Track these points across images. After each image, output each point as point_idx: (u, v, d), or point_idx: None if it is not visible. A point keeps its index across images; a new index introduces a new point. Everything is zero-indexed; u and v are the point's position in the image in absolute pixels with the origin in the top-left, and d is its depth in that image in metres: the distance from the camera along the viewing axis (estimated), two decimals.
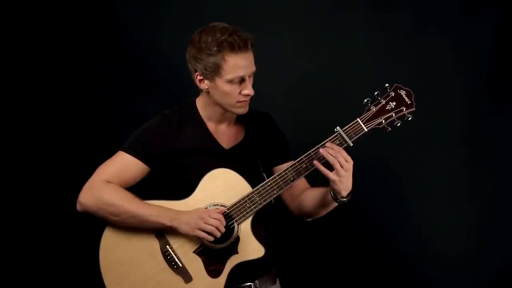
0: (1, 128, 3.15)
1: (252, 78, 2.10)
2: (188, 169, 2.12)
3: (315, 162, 2.03)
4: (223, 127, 2.22)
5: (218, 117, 2.19)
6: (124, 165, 2.13)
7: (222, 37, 2.00)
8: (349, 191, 2.04)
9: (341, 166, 1.98)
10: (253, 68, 2.08)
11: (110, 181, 2.10)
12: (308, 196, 2.21)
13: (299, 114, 3.11)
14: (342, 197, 2.06)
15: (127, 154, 2.13)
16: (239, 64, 2.03)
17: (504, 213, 3.15)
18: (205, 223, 2.02)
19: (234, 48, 2.01)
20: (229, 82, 2.06)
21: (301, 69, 3.16)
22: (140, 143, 2.13)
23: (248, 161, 2.20)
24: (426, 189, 3.18)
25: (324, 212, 2.19)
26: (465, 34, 3.12)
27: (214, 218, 2.02)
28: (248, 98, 2.11)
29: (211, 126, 2.20)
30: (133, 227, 2.09)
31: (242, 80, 2.06)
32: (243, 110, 2.14)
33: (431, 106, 2.91)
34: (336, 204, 2.11)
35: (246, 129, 2.25)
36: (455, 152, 3.17)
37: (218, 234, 2.02)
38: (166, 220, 2.05)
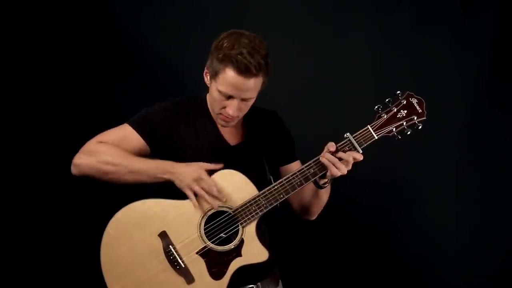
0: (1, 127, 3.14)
1: (246, 103, 2.06)
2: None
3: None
4: None
5: None
6: (124, 135, 2.10)
7: (233, 51, 1.96)
8: None
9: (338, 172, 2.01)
10: (247, 95, 2.03)
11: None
12: (304, 192, 2.21)
13: (307, 117, 3.10)
14: (325, 184, 2.10)
15: (130, 127, 2.11)
16: (232, 83, 2.00)
17: (504, 211, 3.19)
18: (199, 187, 2.00)
19: (235, 67, 1.97)
20: (219, 91, 2.04)
21: (306, 71, 3.16)
22: (145, 120, 2.11)
23: (253, 159, 2.19)
24: (426, 189, 3.21)
25: (318, 202, 2.19)
26: (465, 34, 3.13)
27: (208, 185, 2.01)
28: (229, 118, 2.07)
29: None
30: (129, 183, 2.06)
31: (230, 97, 2.04)
32: (223, 123, 2.12)
33: (431, 106, 2.91)
34: (323, 190, 2.13)
35: (252, 127, 2.24)
36: (455, 152, 3.20)
37: (209, 200, 2.01)
38: (161, 173, 2.02)
